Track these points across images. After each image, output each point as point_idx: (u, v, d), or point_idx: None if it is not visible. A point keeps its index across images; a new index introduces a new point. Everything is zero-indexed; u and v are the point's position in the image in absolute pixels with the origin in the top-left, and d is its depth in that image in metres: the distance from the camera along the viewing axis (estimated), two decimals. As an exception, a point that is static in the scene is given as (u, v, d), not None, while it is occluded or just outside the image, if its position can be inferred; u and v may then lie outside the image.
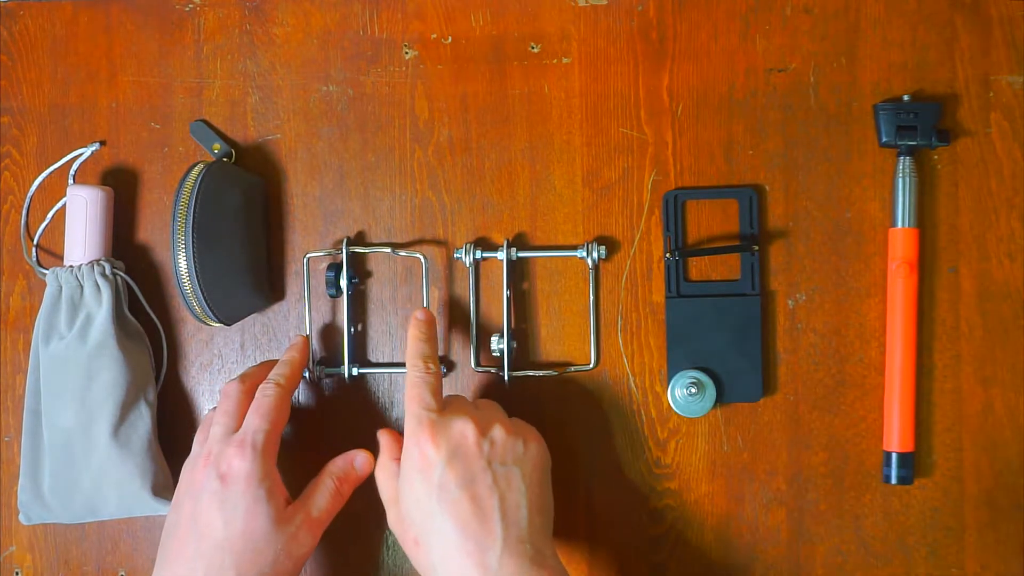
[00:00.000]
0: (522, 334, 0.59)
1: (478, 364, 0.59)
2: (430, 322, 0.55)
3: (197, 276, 0.53)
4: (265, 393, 0.54)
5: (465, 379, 0.60)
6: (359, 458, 0.56)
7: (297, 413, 0.60)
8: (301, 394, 0.60)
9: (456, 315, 0.60)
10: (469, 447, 0.50)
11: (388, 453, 0.54)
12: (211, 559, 0.50)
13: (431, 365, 0.53)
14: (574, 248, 0.59)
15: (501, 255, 0.58)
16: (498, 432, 0.51)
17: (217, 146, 0.60)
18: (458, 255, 0.58)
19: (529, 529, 0.49)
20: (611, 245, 0.59)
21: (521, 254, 0.59)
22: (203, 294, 0.54)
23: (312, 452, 0.60)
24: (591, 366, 0.59)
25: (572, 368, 0.59)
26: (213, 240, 0.54)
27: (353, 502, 0.57)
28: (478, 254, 0.58)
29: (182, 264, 0.53)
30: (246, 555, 0.50)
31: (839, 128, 0.59)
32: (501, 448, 0.51)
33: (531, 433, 0.54)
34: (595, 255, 0.58)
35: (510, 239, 0.59)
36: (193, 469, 0.53)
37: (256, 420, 0.53)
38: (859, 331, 0.59)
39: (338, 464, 0.56)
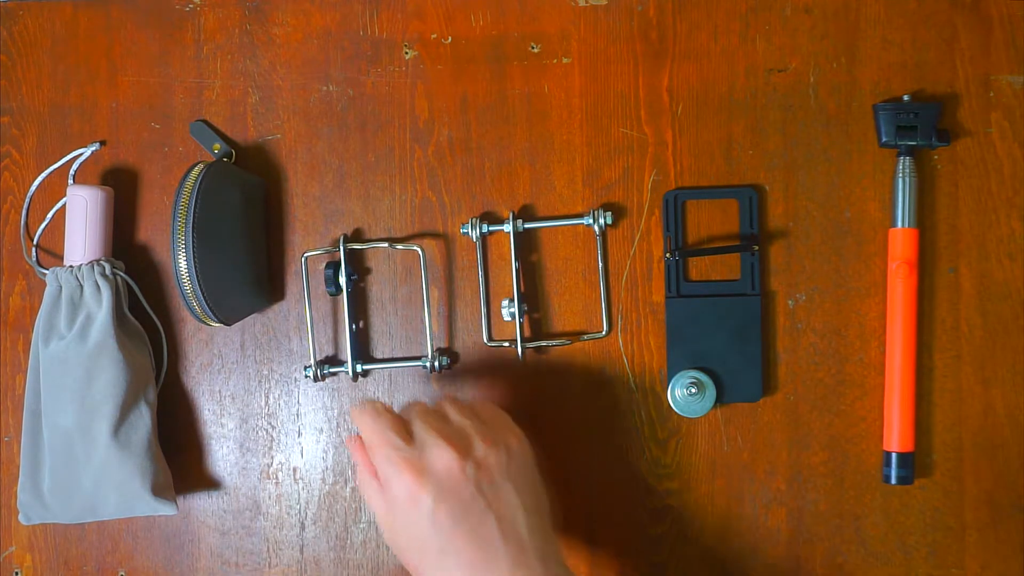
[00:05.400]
0: (532, 306, 0.60)
1: (490, 339, 0.59)
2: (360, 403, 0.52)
3: (197, 276, 0.53)
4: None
5: (477, 353, 0.60)
6: None
7: (300, 412, 0.60)
8: (302, 395, 0.60)
9: (456, 307, 0.60)
10: (455, 476, 0.47)
11: (366, 467, 0.50)
12: None
13: (376, 405, 0.50)
14: (580, 216, 0.59)
15: (507, 227, 0.58)
16: (479, 448, 0.49)
17: (217, 146, 0.60)
18: (464, 230, 0.58)
19: (530, 538, 0.48)
20: (612, 243, 0.59)
21: (527, 225, 0.59)
22: (203, 294, 0.54)
23: (317, 450, 0.60)
24: (604, 333, 0.59)
25: (586, 336, 0.59)
26: (213, 240, 0.54)
27: (351, 500, 0.57)
28: (484, 227, 0.58)
29: (182, 264, 0.53)
30: None
31: (839, 128, 0.59)
32: (486, 466, 0.48)
33: (508, 430, 0.51)
34: (601, 221, 0.58)
35: (515, 211, 0.59)
36: None
37: None
38: (859, 331, 0.59)
39: None
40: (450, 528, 0.47)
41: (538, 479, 0.51)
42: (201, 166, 0.55)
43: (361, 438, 0.51)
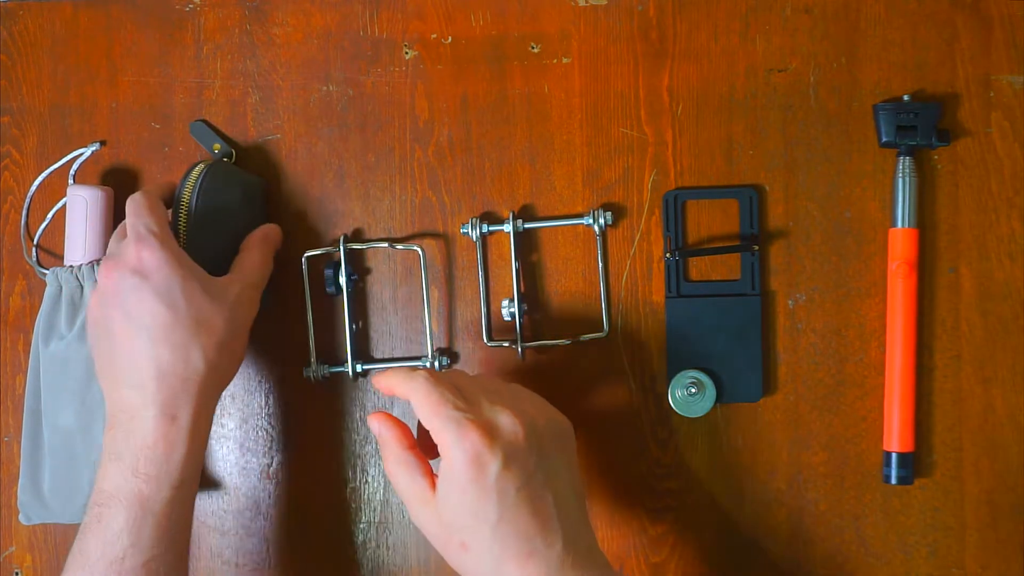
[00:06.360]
0: (532, 306, 0.59)
1: (490, 338, 0.59)
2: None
3: None
4: (133, 199, 0.53)
5: (477, 353, 0.60)
6: (270, 226, 0.58)
7: (300, 412, 0.60)
8: (303, 393, 0.60)
9: (456, 307, 0.60)
10: (520, 444, 0.46)
11: (399, 443, 0.49)
12: (170, 339, 0.49)
13: (427, 370, 0.50)
14: (580, 216, 0.59)
15: (507, 227, 0.58)
16: (541, 422, 0.48)
17: (217, 146, 0.60)
18: (464, 230, 0.58)
19: (578, 519, 0.48)
20: (612, 243, 0.59)
21: (527, 225, 0.59)
22: None
23: (317, 450, 0.60)
24: (603, 333, 0.59)
25: (586, 336, 0.59)
26: (213, 240, 0.54)
27: (351, 500, 0.56)
28: (484, 227, 0.58)
29: None
30: (200, 330, 0.50)
31: (839, 128, 0.59)
32: (546, 440, 0.48)
33: (556, 411, 0.51)
34: (601, 221, 0.58)
35: (515, 211, 0.59)
36: (99, 287, 0.51)
37: (138, 219, 0.52)
38: (859, 331, 0.59)
39: (264, 233, 0.57)
40: (513, 496, 0.46)
41: (577, 460, 0.51)
42: (202, 166, 0.55)
43: (387, 416, 0.50)
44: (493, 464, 0.45)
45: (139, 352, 0.50)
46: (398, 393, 0.49)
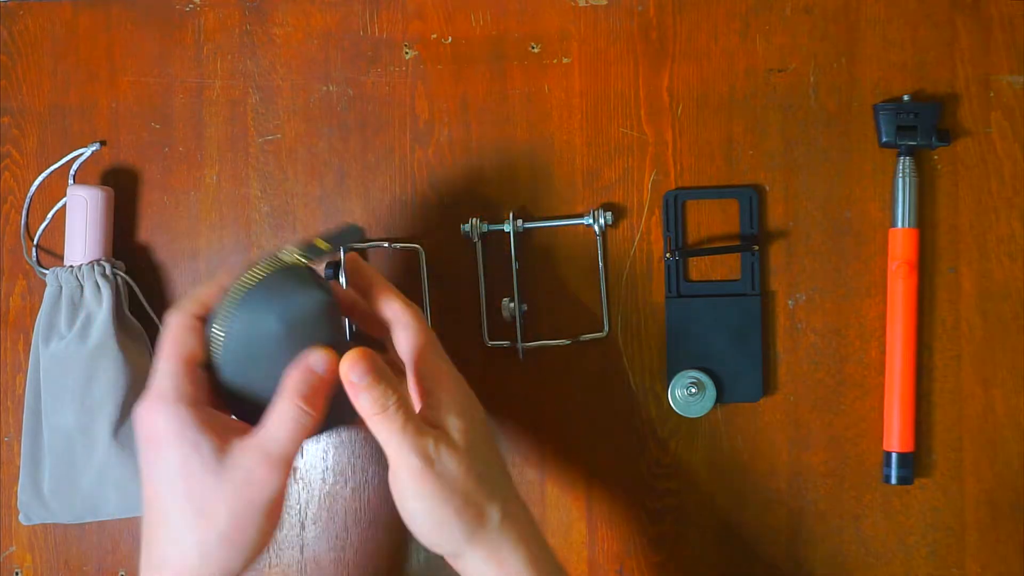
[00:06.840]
0: (532, 306, 0.59)
1: (490, 338, 0.59)
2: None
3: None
4: (167, 321, 0.45)
5: (477, 353, 0.60)
6: (314, 358, 0.44)
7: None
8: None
9: (457, 307, 0.60)
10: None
11: (404, 400, 0.45)
12: (164, 524, 0.43)
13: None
14: (580, 216, 0.59)
15: (507, 227, 0.58)
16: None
17: (325, 246, 0.48)
18: (464, 230, 0.58)
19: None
20: (612, 243, 0.59)
21: (527, 225, 0.59)
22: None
23: (317, 450, 0.60)
24: (603, 333, 0.59)
25: (585, 336, 0.59)
26: (255, 374, 0.45)
27: (351, 500, 0.56)
28: (484, 227, 0.58)
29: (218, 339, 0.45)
30: (198, 519, 0.42)
31: (839, 128, 0.59)
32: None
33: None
34: (601, 221, 0.58)
35: (515, 211, 0.59)
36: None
37: (157, 360, 0.44)
38: (859, 331, 0.59)
39: (295, 378, 0.43)
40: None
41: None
42: (251, 275, 0.45)
43: (377, 373, 0.44)
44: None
45: (146, 528, 0.44)
46: (383, 302, 0.47)
